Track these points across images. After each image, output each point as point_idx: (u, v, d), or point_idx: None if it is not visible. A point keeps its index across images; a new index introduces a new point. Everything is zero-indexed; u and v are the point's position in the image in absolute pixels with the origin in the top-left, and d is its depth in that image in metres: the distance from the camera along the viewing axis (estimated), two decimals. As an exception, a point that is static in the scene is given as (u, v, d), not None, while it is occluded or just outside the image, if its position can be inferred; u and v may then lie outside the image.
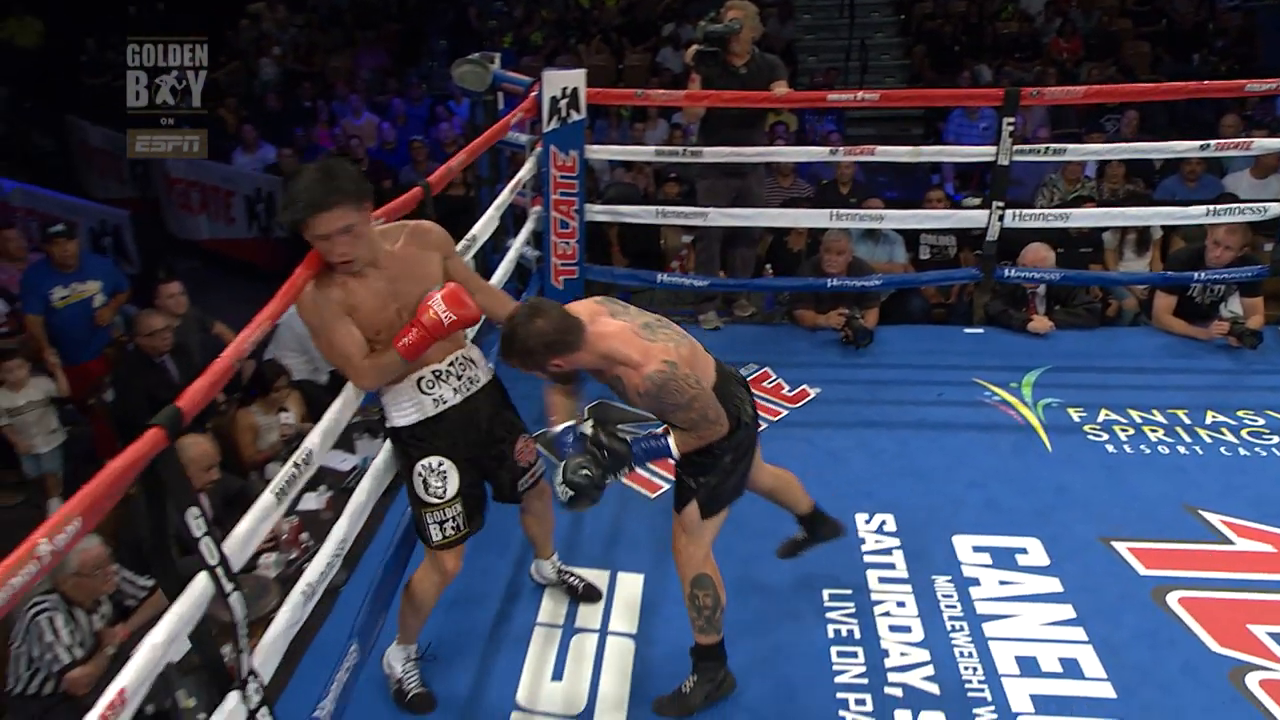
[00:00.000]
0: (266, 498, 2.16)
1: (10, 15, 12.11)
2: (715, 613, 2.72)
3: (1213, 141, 5.05)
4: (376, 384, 2.56)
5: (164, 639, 1.79)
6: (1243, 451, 4.05)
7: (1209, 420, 4.28)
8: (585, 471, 2.45)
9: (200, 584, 1.89)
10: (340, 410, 2.55)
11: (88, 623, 3.38)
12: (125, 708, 1.64)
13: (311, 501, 4.19)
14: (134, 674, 1.69)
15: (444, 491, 2.62)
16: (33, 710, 3.27)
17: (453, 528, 2.66)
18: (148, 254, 8.78)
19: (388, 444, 2.78)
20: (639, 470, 2.47)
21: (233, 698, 2.01)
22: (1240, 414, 4.32)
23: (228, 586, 1.94)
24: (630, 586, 3.29)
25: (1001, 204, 4.90)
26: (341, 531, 2.57)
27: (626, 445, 2.53)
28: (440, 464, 2.61)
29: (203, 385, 1.99)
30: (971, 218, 5.16)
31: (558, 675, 2.94)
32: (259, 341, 2.25)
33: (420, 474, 2.61)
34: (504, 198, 4.29)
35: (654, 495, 3.72)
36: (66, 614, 3.30)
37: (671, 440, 2.52)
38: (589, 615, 3.18)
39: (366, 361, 2.47)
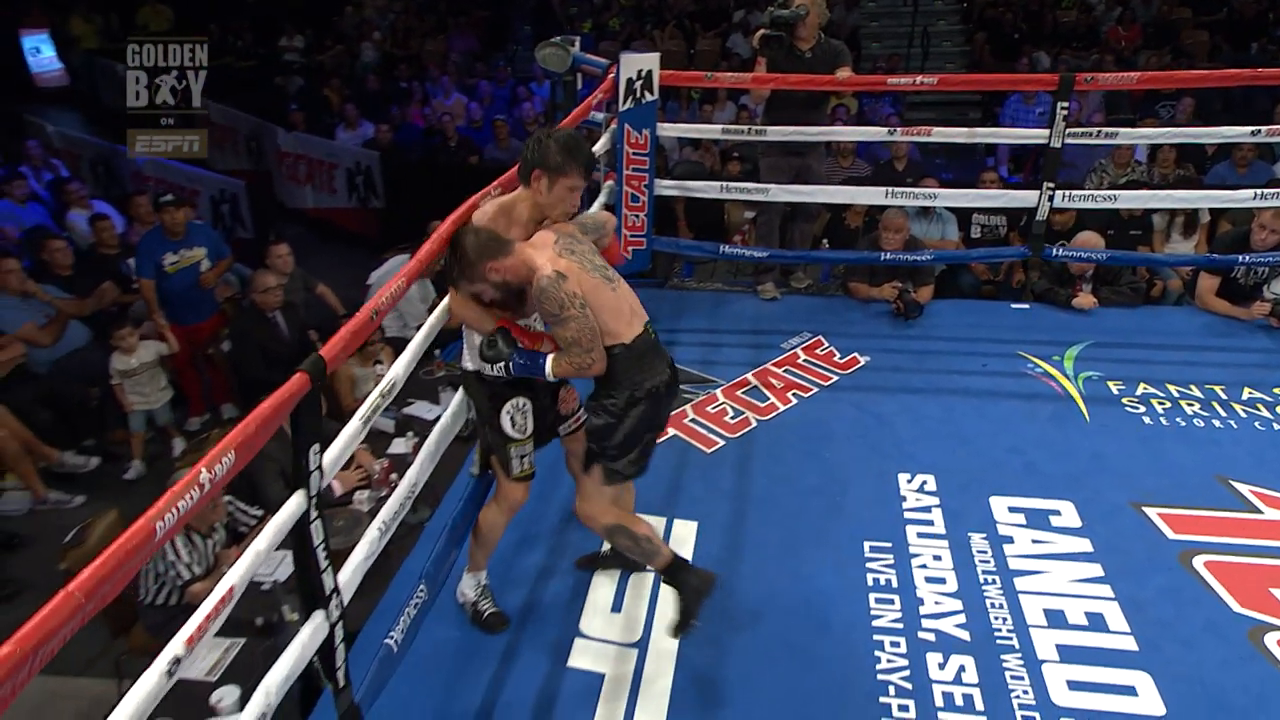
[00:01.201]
0: (354, 423, 2.27)
1: (144, 4, 12.50)
2: (642, 543, 2.70)
3: (1263, 128, 4.84)
4: (461, 321, 2.72)
5: (265, 546, 1.94)
6: (1277, 427, 3.93)
7: (1245, 396, 4.15)
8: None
9: (295, 502, 2.02)
10: (424, 337, 2.72)
11: (205, 546, 3.56)
12: (231, 600, 1.80)
13: (400, 446, 4.34)
14: (240, 575, 1.85)
15: (526, 428, 2.75)
16: (160, 618, 3.48)
17: (530, 461, 2.78)
18: (260, 220, 9.06)
19: (457, 397, 2.92)
20: (515, 374, 2.58)
21: (318, 615, 2.14)
22: (1277, 391, 4.18)
23: (313, 514, 2.05)
24: (684, 532, 3.33)
25: (1052, 185, 4.79)
26: (414, 475, 2.72)
27: (510, 349, 2.57)
28: (524, 404, 2.74)
29: (343, 337, 2.11)
30: (1022, 198, 5.05)
31: (617, 608, 3.02)
32: (399, 296, 2.39)
33: (509, 412, 2.73)
34: (580, 173, 4.32)
35: (709, 450, 3.77)
36: (185, 538, 3.49)
37: (549, 362, 2.53)
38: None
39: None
